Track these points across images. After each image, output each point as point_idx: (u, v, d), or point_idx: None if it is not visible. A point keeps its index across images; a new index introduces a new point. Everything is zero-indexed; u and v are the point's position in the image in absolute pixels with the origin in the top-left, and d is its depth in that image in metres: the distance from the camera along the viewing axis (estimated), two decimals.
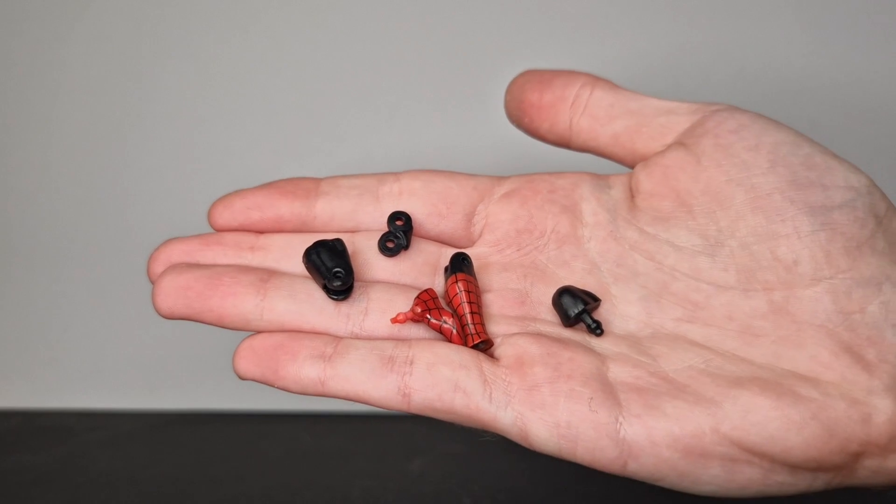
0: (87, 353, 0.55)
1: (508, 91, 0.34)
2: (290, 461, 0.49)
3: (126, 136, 0.52)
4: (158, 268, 0.31)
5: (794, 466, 0.27)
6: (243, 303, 0.30)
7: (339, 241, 0.31)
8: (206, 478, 0.48)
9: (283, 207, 0.32)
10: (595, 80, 0.33)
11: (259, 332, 0.30)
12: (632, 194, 0.33)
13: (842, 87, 0.49)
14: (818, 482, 0.27)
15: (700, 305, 0.30)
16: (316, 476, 0.48)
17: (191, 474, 0.48)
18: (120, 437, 0.52)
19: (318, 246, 0.30)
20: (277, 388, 0.29)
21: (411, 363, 0.28)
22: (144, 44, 0.50)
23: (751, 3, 0.48)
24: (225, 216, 0.32)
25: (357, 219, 0.33)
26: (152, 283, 0.31)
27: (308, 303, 0.30)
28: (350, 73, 0.50)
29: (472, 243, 0.34)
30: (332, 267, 0.29)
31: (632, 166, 0.33)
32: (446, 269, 0.32)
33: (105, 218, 0.53)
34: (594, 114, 0.33)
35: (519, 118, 0.34)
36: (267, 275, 0.30)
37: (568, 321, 0.30)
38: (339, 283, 0.29)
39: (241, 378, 0.29)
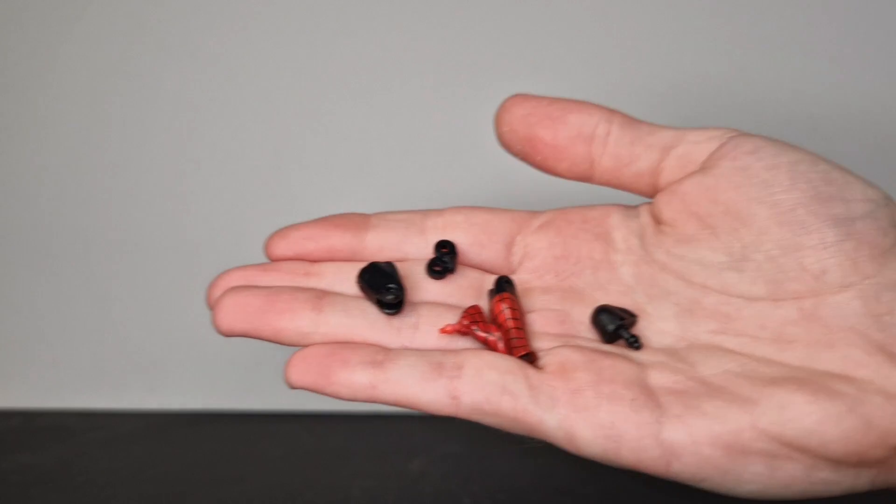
0: (87, 353, 0.55)
1: (506, 123, 0.34)
2: (290, 461, 0.49)
3: (127, 135, 0.52)
4: (218, 293, 0.33)
5: (835, 461, 0.27)
6: (300, 318, 0.31)
7: (389, 263, 0.33)
8: (206, 478, 0.48)
9: (336, 238, 0.34)
10: (610, 114, 0.34)
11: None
12: (656, 221, 0.34)
13: (856, 114, 0.49)
14: (862, 480, 0.28)
15: (732, 317, 0.31)
16: (316, 476, 0.48)
17: (191, 474, 0.48)
18: (120, 437, 0.52)
19: (371, 266, 0.32)
20: (328, 394, 0.30)
21: (460, 368, 0.29)
22: (145, 44, 0.51)
23: (762, 30, 0.48)
24: (281, 246, 0.34)
25: (404, 249, 0.35)
26: (211, 308, 0.32)
27: (361, 317, 0.32)
28: (351, 72, 0.51)
29: (511, 272, 0.35)
30: (385, 282, 0.31)
31: (651, 196, 0.34)
32: (491, 290, 0.33)
33: (105, 218, 0.53)
34: (617, 154, 0.33)
35: (528, 155, 0.34)
36: (322, 294, 0.32)
37: (606, 337, 0.31)
38: (392, 297, 0.31)
39: (293, 387, 0.30)
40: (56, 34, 0.50)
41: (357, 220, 0.35)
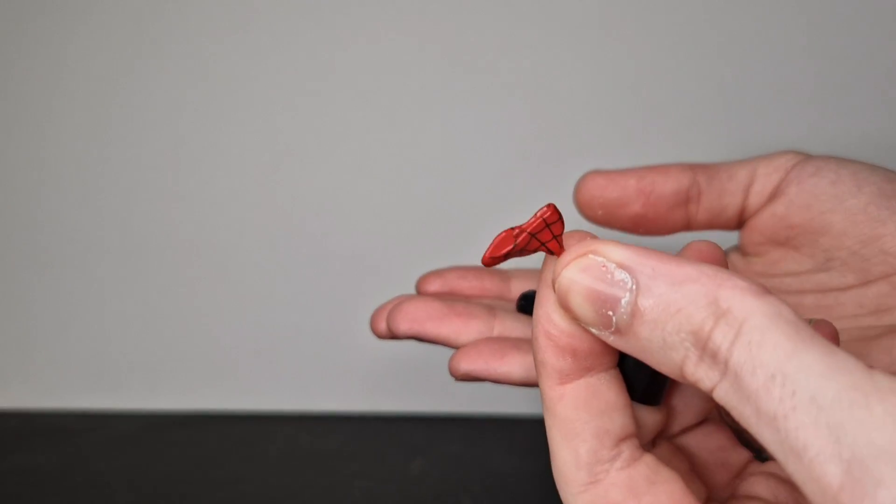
0: (87, 353, 0.55)
1: (598, 207, 0.37)
2: (290, 461, 0.49)
3: (127, 134, 0.52)
4: (386, 311, 0.35)
5: None
6: (478, 320, 0.35)
7: None
8: (205, 478, 0.48)
9: (487, 280, 0.38)
10: (692, 171, 0.36)
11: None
12: (742, 253, 0.37)
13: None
14: None
15: (832, 306, 0.34)
16: (316, 476, 0.48)
17: (190, 475, 0.48)
18: (119, 438, 0.52)
19: (531, 291, 0.35)
20: (498, 375, 0.32)
21: None
22: (145, 44, 0.50)
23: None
24: (436, 283, 0.38)
25: None
26: (378, 332, 0.35)
27: (529, 323, 0.34)
28: (352, 71, 0.50)
29: None
30: None
31: (737, 229, 0.38)
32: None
33: (105, 218, 0.53)
34: (709, 209, 0.37)
35: (630, 230, 0.37)
36: (491, 307, 0.36)
37: None
38: None
39: (458, 375, 0.33)
40: (57, 35, 0.50)
41: (500, 272, 0.39)
